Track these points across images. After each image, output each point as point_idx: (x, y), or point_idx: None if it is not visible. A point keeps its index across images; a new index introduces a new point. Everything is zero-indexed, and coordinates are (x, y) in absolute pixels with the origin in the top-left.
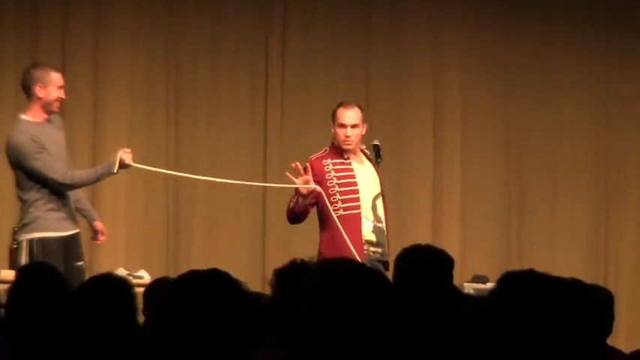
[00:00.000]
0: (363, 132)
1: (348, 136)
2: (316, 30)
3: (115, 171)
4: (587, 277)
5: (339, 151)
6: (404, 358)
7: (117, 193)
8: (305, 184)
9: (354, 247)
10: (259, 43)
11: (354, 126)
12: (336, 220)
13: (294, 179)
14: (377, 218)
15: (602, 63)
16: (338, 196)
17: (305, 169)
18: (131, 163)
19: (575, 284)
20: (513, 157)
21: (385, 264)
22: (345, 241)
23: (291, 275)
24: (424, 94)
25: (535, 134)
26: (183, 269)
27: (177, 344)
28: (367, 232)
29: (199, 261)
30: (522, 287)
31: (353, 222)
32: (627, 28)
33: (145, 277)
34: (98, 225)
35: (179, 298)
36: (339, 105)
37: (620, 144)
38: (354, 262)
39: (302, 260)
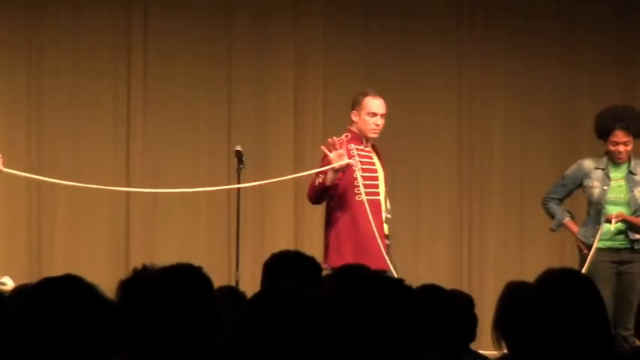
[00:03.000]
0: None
1: (378, 125)
2: (176, 38)
3: None
4: (450, 283)
5: (359, 138)
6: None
7: None
8: (339, 157)
9: (377, 231)
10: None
11: (383, 115)
12: (364, 199)
13: (329, 153)
14: (387, 210)
15: (464, 56)
16: (361, 181)
17: (340, 143)
18: (1, 167)
19: (433, 290)
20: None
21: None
22: (369, 222)
23: (133, 283)
24: (286, 90)
25: (399, 136)
26: (48, 274)
27: (34, 351)
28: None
29: (63, 266)
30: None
31: (374, 206)
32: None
33: (9, 283)
34: None
35: (34, 305)
36: (366, 94)
37: (485, 141)
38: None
39: (144, 266)
